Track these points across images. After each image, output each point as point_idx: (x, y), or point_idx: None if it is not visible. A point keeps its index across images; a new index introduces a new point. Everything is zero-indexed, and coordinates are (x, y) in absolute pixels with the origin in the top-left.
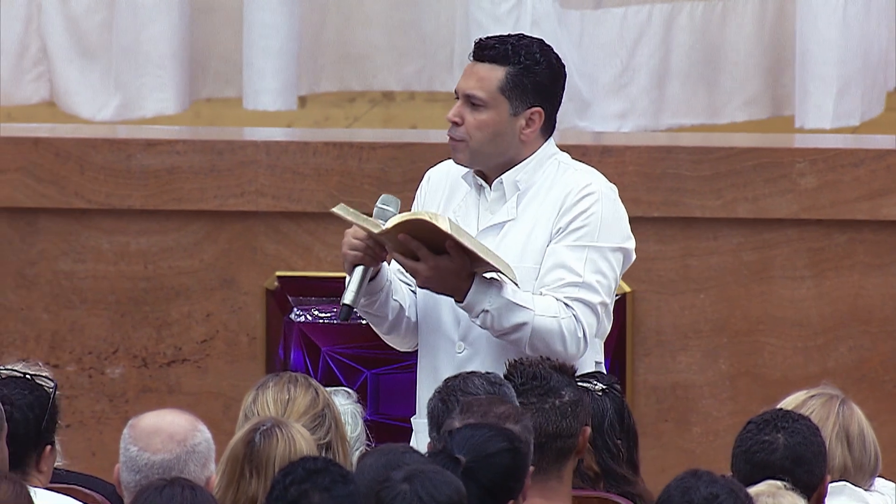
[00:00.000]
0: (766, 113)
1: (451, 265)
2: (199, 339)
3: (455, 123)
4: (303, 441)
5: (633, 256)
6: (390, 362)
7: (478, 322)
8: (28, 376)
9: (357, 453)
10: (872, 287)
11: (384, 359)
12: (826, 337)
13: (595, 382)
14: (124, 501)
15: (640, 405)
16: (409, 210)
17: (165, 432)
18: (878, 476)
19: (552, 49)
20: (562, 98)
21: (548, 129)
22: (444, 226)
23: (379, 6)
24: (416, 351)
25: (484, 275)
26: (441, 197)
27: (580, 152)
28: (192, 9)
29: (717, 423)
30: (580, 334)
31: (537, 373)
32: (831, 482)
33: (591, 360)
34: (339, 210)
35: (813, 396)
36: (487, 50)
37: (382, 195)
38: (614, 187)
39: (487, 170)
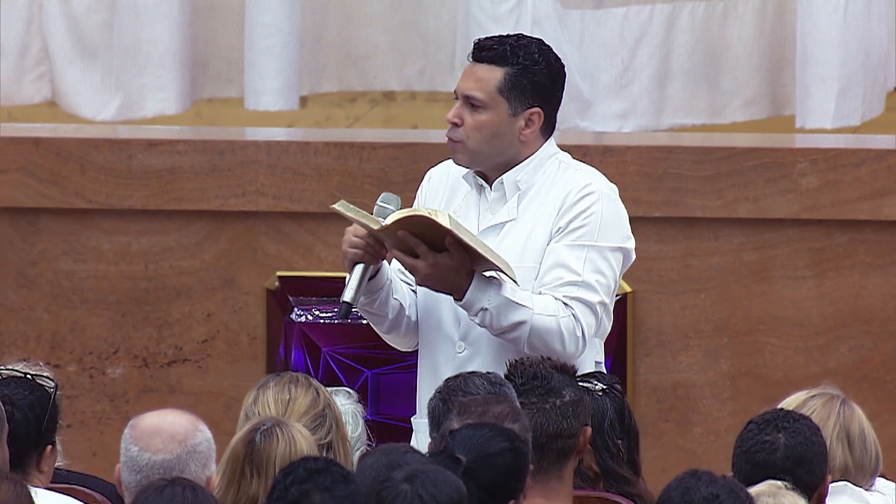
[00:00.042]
0: (767, 113)
1: (451, 262)
2: (199, 339)
3: (454, 124)
4: (303, 441)
5: (633, 256)
6: (391, 362)
7: (476, 320)
8: (29, 376)
9: (358, 453)
10: (873, 287)
11: (385, 359)
12: (827, 337)
13: (595, 382)
14: (125, 501)
15: (640, 405)
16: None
17: (166, 432)
18: (879, 476)
19: (551, 49)
20: (561, 98)
21: (548, 128)
22: (444, 221)
23: (380, 6)
24: (417, 351)
25: (483, 273)
26: (442, 197)
27: (581, 152)
28: (194, 9)
29: (718, 423)
30: (579, 333)
31: (538, 373)
32: (832, 482)
33: (592, 359)
34: (340, 206)
35: (814, 396)
36: (486, 51)
37: (383, 193)
38: (615, 187)
39: (487, 170)
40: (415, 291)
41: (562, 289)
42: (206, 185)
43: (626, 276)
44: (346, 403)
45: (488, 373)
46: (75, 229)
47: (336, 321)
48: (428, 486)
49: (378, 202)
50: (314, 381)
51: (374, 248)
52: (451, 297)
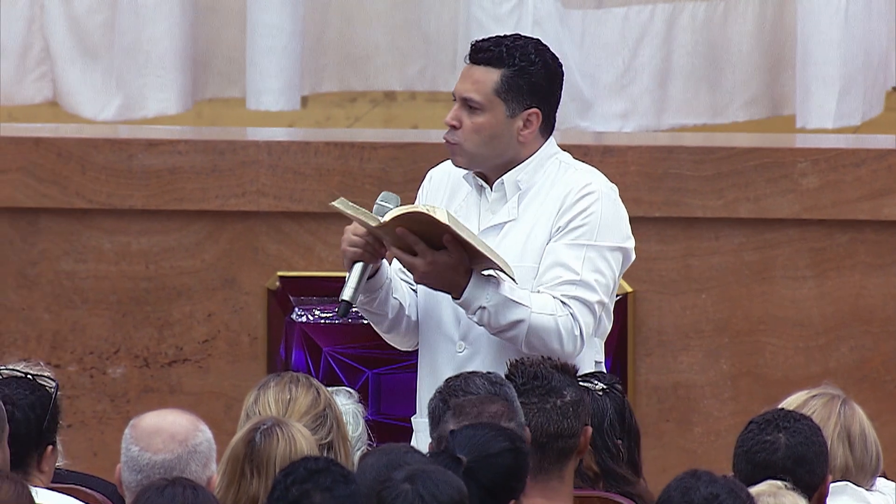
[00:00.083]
0: (767, 112)
1: (449, 260)
2: (200, 339)
3: (453, 127)
4: (303, 440)
5: (633, 256)
6: (391, 362)
7: (475, 318)
8: (29, 376)
9: (358, 453)
10: (874, 287)
11: (385, 359)
12: (827, 337)
13: (596, 382)
14: (125, 501)
15: (641, 405)
16: None
17: (167, 432)
18: (880, 476)
19: (548, 49)
20: (560, 97)
21: (547, 129)
22: (443, 217)
23: (380, 6)
24: (417, 350)
25: (482, 272)
26: (442, 197)
27: (582, 152)
28: (195, 9)
29: (719, 423)
30: (577, 332)
31: (538, 372)
32: (833, 482)
33: (592, 359)
34: (339, 204)
35: (814, 396)
36: (482, 52)
37: (383, 192)
38: (615, 187)
39: (487, 171)
40: (415, 291)
41: (560, 288)
42: (207, 185)
43: (627, 276)
44: (346, 403)
45: (489, 373)
46: (76, 229)
47: (336, 321)
48: (429, 485)
49: (378, 201)
50: (315, 381)
51: (374, 247)
52: (450, 296)
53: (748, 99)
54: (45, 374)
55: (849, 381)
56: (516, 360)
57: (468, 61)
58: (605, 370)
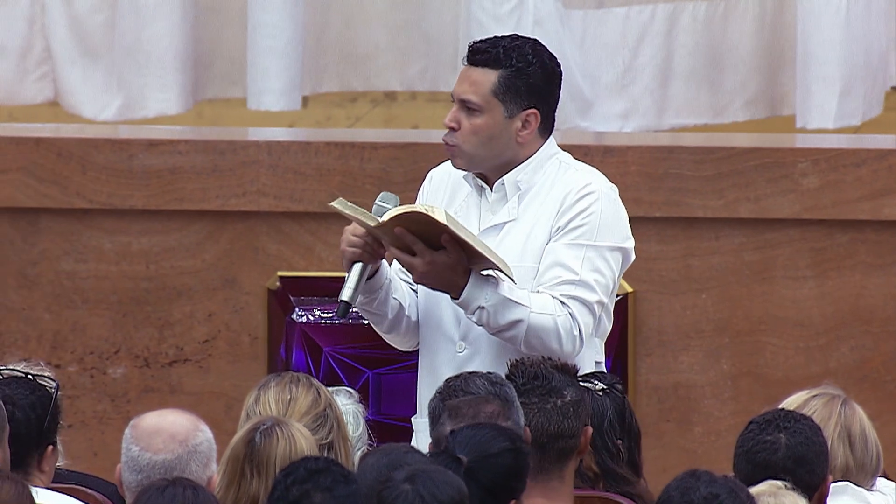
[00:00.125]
0: (767, 112)
1: (448, 260)
2: (200, 339)
3: (451, 128)
4: (303, 440)
5: (633, 257)
6: (392, 362)
7: (473, 318)
8: (30, 376)
9: (359, 453)
10: (874, 287)
11: (386, 359)
12: (828, 337)
13: (596, 382)
14: (126, 501)
15: (641, 405)
16: None
17: (167, 432)
18: (880, 476)
19: (546, 49)
20: (559, 97)
21: (546, 129)
22: (441, 217)
23: (381, 6)
24: (417, 350)
25: (481, 272)
26: (443, 197)
27: (582, 152)
28: (195, 9)
29: (719, 423)
30: (576, 332)
31: (539, 372)
32: (833, 482)
33: (592, 359)
34: (338, 204)
35: (815, 396)
36: (480, 54)
37: (382, 192)
38: (615, 187)
39: (487, 172)
40: (415, 291)
41: (559, 287)
42: (207, 185)
43: (627, 277)
44: (347, 403)
45: (489, 373)
46: (76, 229)
47: (336, 321)
48: (429, 486)
49: (377, 201)
50: (315, 381)
51: (373, 248)
52: (449, 296)
53: (749, 99)
54: (46, 374)
55: (849, 381)
56: (517, 360)
57: (466, 63)
58: (605, 370)
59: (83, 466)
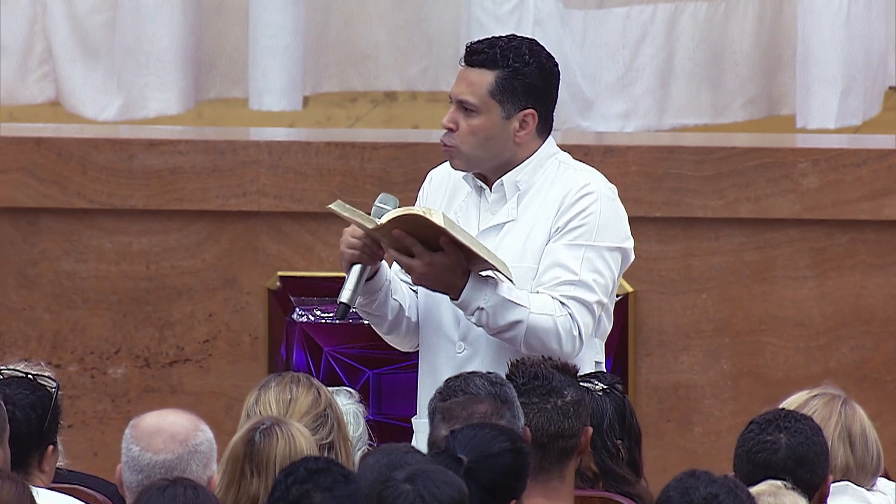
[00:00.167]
0: (768, 112)
1: (446, 261)
2: (201, 339)
3: (449, 129)
4: (302, 439)
5: (632, 257)
6: (392, 362)
7: (473, 320)
8: (30, 376)
9: (359, 453)
10: (874, 287)
11: (386, 359)
12: (828, 337)
13: (596, 382)
14: (126, 501)
15: (641, 405)
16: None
17: (167, 432)
18: (881, 476)
19: (543, 49)
20: (557, 97)
21: (544, 129)
22: (438, 220)
23: (381, 6)
24: (418, 351)
25: (480, 273)
26: (443, 197)
27: (582, 152)
28: (197, 9)
29: (719, 423)
30: (576, 333)
31: (539, 372)
32: (834, 482)
33: (591, 360)
34: (336, 207)
35: (815, 396)
36: (477, 54)
37: (381, 194)
38: (614, 187)
39: (486, 172)
40: (415, 292)
41: (559, 288)
42: (208, 185)
43: (627, 277)
44: (347, 403)
45: (489, 373)
46: (76, 229)
47: (336, 321)
48: (429, 486)
49: (376, 203)
50: (315, 381)
51: (372, 249)
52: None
53: (749, 99)
54: (46, 374)
55: (849, 381)
56: (517, 361)
57: (463, 63)
58: (605, 370)
59: (83, 466)
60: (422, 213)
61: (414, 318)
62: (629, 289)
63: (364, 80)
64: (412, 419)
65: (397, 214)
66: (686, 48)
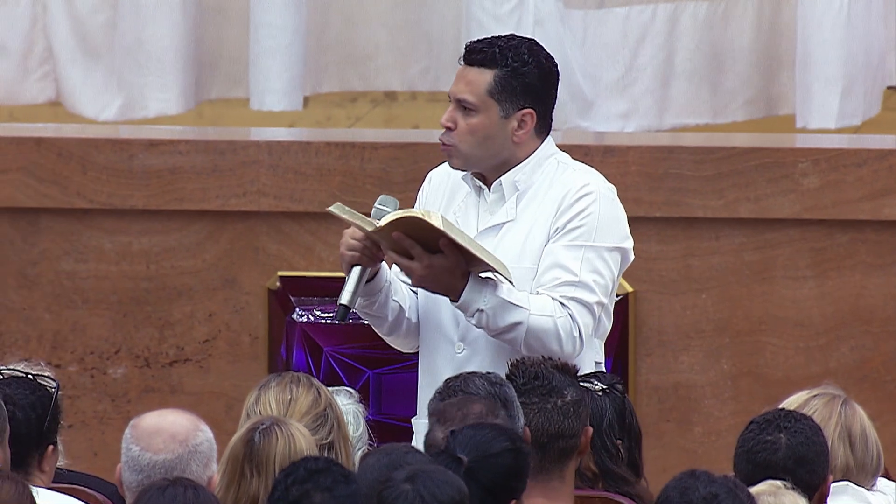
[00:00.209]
0: (767, 112)
1: (446, 263)
2: (201, 338)
3: (448, 128)
4: (302, 439)
5: (632, 257)
6: (392, 362)
7: (473, 321)
8: (30, 376)
9: (359, 453)
10: (874, 287)
11: (386, 359)
12: (828, 337)
13: (596, 382)
14: (126, 501)
15: (641, 405)
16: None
17: (167, 432)
18: (881, 476)
19: (542, 49)
20: (556, 97)
21: (543, 129)
22: (437, 223)
23: (381, 6)
24: (418, 351)
25: (479, 274)
26: (442, 197)
27: (582, 152)
28: (197, 9)
29: (719, 423)
30: (576, 333)
31: (539, 372)
32: (834, 482)
33: (591, 360)
34: (335, 209)
35: (815, 396)
36: (476, 53)
37: (381, 195)
38: (613, 187)
39: (485, 172)
40: (415, 293)
41: (559, 289)
42: (208, 185)
43: (627, 277)
44: (347, 403)
45: (488, 373)
46: (76, 229)
47: (336, 321)
48: (429, 486)
49: (375, 204)
50: (315, 381)
51: (372, 251)
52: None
53: (749, 99)
54: (46, 374)
55: (849, 381)
56: (517, 361)
57: (462, 62)
58: (605, 370)
59: (83, 466)
60: (421, 216)
61: (414, 319)
62: (629, 289)
63: (364, 80)
64: (412, 419)
65: (396, 217)
66: (686, 48)
